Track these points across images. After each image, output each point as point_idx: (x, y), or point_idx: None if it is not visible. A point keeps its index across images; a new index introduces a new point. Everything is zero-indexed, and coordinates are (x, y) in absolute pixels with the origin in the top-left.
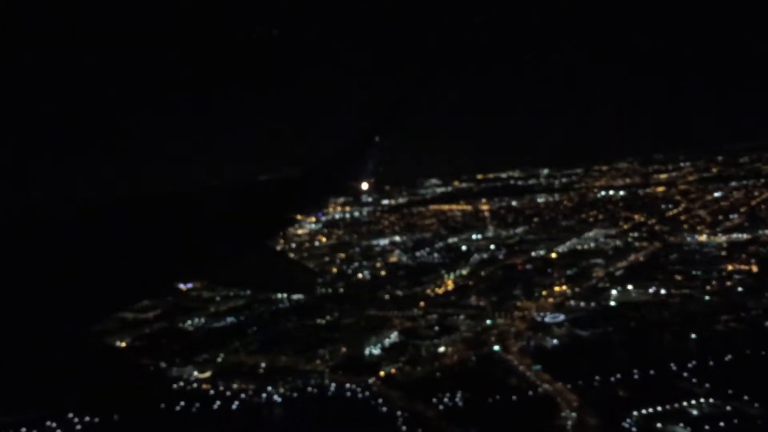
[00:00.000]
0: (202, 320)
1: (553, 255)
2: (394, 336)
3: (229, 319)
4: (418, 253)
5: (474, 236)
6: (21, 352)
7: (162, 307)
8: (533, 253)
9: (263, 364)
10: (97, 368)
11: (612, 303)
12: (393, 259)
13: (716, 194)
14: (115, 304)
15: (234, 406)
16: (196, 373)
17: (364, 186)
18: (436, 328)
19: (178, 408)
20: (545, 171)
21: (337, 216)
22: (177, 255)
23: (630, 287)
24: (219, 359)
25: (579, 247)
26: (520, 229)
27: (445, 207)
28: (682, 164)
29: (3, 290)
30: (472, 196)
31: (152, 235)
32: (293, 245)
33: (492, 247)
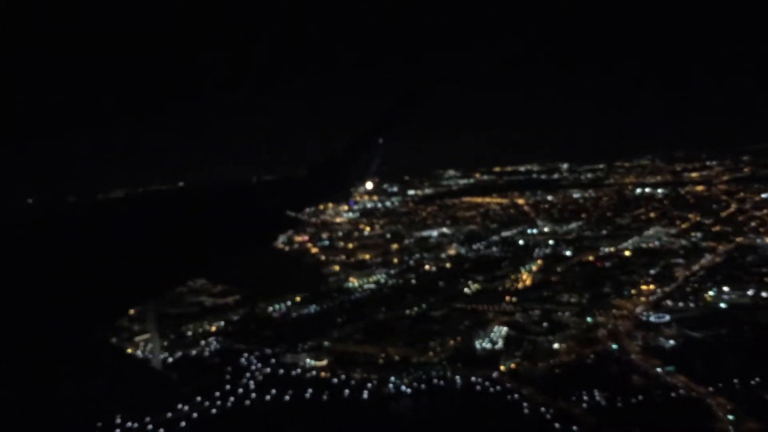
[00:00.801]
0: (284, 307)
1: (627, 253)
2: (501, 330)
3: (313, 308)
4: (475, 246)
5: (528, 231)
6: (26, 353)
7: (239, 293)
8: (602, 250)
9: (377, 354)
10: (102, 369)
11: (722, 305)
12: (451, 251)
13: (764, 195)
14: (121, 304)
15: (364, 396)
16: (310, 360)
17: (368, 185)
18: (545, 324)
19: (307, 395)
20: (564, 165)
21: (368, 205)
22: (181, 253)
23: (726, 288)
24: (325, 347)
25: (644, 245)
26: (573, 225)
27: (479, 199)
28: (708, 163)
29: (8, 289)
30: (499, 188)
31: (156, 234)
32: (339, 233)
33: (551, 242)
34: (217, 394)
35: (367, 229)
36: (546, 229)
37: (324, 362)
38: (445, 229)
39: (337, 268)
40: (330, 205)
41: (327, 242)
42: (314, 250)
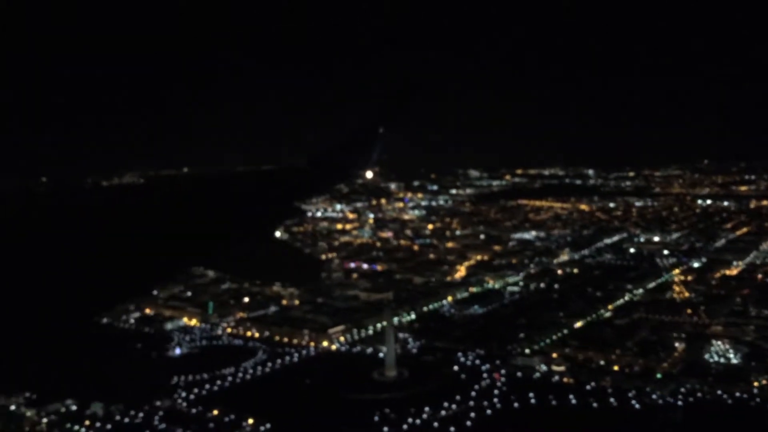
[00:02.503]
0: (446, 304)
1: None
2: (723, 345)
3: (476, 307)
4: (583, 252)
5: (635, 239)
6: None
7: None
8: (735, 263)
9: (609, 362)
10: (104, 358)
11: None
12: (564, 256)
13: None
14: (122, 294)
15: (636, 406)
16: (543, 366)
17: (369, 174)
18: None
19: (554, 402)
20: (590, 171)
21: (423, 203)
22: (184, 243)
23: None
24: (544, 350)
25: None
26: (675, 235)
27: (536, 203)
28: (747, 176)
29: (15, 277)
30: (541, 192)
31: (159, 224)
32: (427, 231)
33: (665, 252)
34: (458, 397)
35: (458, 228)
36: (656, 238)
37: (562, 368)
38: (533, 233)
39: (462, 268)
40: (384, 201)
41: (425, 240)
42: (415, 246)
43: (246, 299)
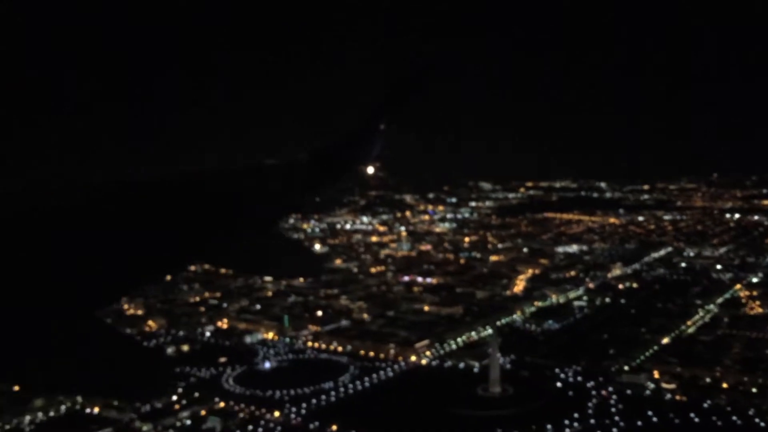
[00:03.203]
0: (519, 318)
1: None
2: None
3: (551, 322)
4: (634, 267)
5: (683, 253)
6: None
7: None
8: None
9: (707, 379)
10: (103, 353)
11: None
12: (617, 270)
13: None
14: (122, 288)
15: (761, 425)
16: (650, 383)
17: (370, 170)
18: None
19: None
20: (602, 184)
21: (448, 216)
22: (182, 237)
23: None
24: (633, 365)
25: None
26: (722, 249)
27: (565, 216)
28: (765, 190)
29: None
30: (561, 205)
31: (159, 219)
32: (465, 245)
33: (718, 266)
34: (576, 415)
35: (496, 242)
36: (709, 253)
37: (672, 385)
38: (574, 246)
39: (519, 282)
40: (408, 214)
41: (469, 254)
42: (461, 260)
43: (319, 312)
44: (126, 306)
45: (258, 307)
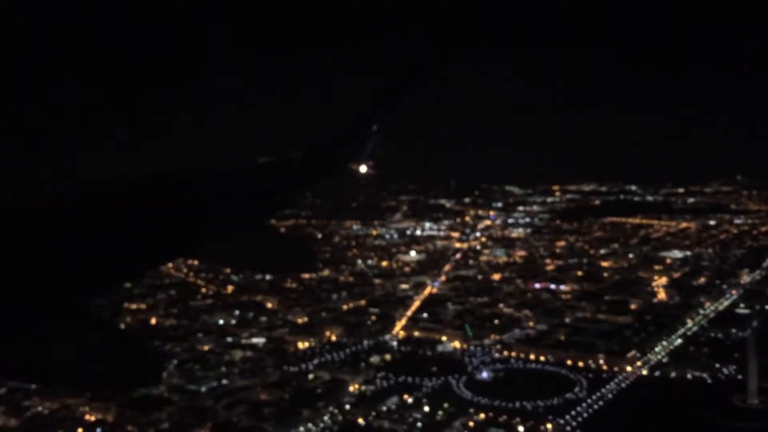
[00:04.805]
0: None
1: None
2: None
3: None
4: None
5: None
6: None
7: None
8: None
9: None
10: (96, 345)
11: None
12: (746, 277)
13: None
14: (115, 279)
15: None
16: None
17: (363, 169)
18: None
19: None
20: (632, 187)
21: (509, 220)
22: (169, 232)
23: None
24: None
25: None
26: None
27: (632, 220)
28: None
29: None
30: (609, 209)
31: (151, 214)
32: (557, 250)
33: None
34: None
35: (592, 249)
36: None
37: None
38: (676, 252)
39: (659, 289)
40: (468, 219)
41: (580, 259)
42: (579, 273)
43: (496, 321)
44: (296, 318)
45: (425, 315)
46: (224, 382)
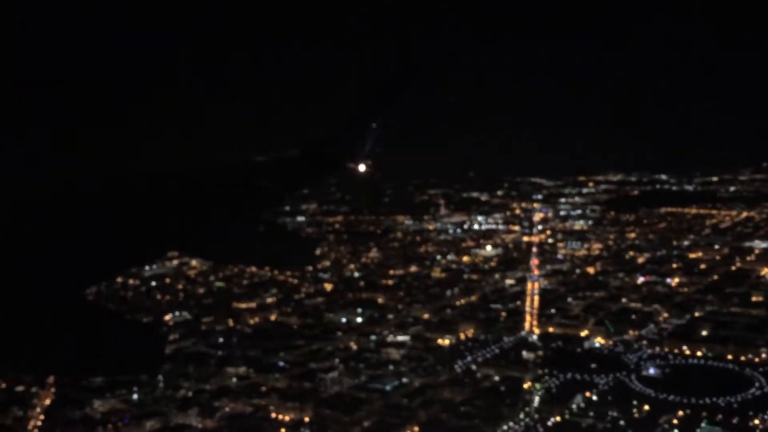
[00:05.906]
0: None
1: None
2: None
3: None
4: None
5: None
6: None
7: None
8: None
9: None
10: (95, 331)
11: None
12: None
13: None
14: (114, 269)
15: None
16: None
17: (361, 167)
18: None
19: None
20: (662, 176)
21: (561, 213)
22: (161, 226)
23: None
24: None
25: None
26: None
27: (689, 210)
28: None
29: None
30: (654, 199)
31: (150, 208)
32: (655, 248)
33: None
34: None
35: (673, 240)
36: None
37: None
38: (758, 241)
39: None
40: (518, 212)
41: (673, 251)
42: (674, 265)
43: (633, 316)
44: (423, 314)
45: (552, 310)
46: (404, 380)
